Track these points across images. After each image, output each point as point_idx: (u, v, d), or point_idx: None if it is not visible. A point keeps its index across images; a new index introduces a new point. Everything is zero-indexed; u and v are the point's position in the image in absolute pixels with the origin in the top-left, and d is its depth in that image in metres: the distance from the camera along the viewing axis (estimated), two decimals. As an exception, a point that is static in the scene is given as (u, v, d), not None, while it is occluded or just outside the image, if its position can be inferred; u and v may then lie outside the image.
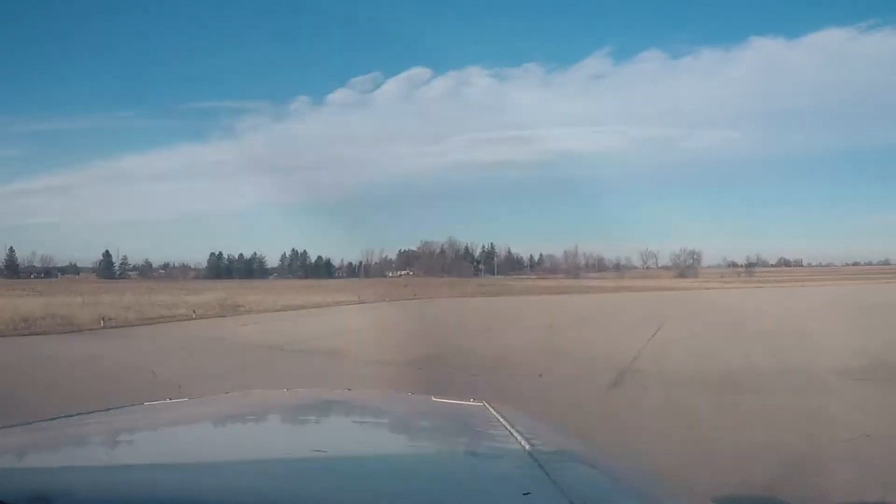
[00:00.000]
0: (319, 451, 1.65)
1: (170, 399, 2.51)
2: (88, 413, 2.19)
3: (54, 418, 2.05)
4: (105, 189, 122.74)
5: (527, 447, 1.70)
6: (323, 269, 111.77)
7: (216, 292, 41.36)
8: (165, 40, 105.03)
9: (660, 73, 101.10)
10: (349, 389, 3.00)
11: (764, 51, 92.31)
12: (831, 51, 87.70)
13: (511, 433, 1.87)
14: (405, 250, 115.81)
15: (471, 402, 2.41)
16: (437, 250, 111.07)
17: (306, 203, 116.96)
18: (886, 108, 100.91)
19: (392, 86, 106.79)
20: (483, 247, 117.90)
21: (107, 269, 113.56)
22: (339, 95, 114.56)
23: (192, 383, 9.13)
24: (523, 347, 15.23)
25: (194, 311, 25.72)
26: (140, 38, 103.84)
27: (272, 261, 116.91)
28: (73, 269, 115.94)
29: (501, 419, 2.07)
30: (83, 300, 32.21)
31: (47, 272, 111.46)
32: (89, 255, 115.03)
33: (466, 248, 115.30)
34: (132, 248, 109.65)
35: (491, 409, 2.24)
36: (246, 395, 3.09)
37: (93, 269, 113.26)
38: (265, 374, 11.31)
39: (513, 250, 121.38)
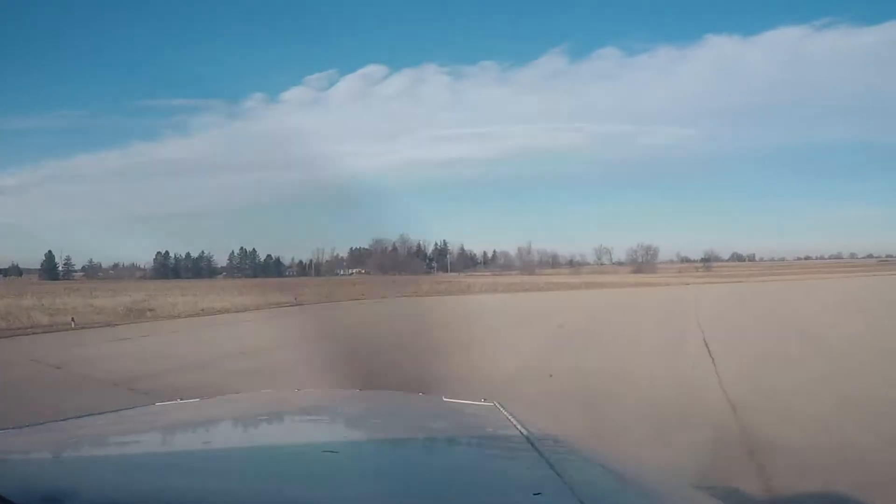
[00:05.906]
0: (331, 451, 1.55)
1: (181, 399, 2.38)
2: (100, 413, 2.08)
3: (66, 419, 1.96)
4: (53, 189, 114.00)
5: (537, 447, 1.62)
6: (272, 268, 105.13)
7: (141, 293, 36.92)
8: (116, 37, 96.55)
9: (616, 70, 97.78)
10: (359, 390, 2.97)
11: (719, 48, 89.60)
12: (786, 49, 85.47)
13: (522, 433, 1.78)
14: (357, 248, 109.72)
15: (482, 402, 2.28)
16: (389, 248, 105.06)
17: (256, 201, 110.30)
18: (839, 106, 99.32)
19: (347, 83, 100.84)
20: (436, 244, 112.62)
21: (50, 270, 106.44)
22: (294, 93, 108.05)
23: None
24: (519, 374, 9.34)
25: (73, 320, 19.24)
26: (90, 35, 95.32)
27: (221, 260, 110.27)
28: (15, 271, 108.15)
29: (512, 419, 1.95)
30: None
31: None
32: (37, 256, 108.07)
33: (419, 246, 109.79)
34: (81, 249, 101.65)
35: (502, 410, 2.12)
36: (257, 396, 2.98)
37: (37, 271, 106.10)
38: None
39: (466, 247, 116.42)
